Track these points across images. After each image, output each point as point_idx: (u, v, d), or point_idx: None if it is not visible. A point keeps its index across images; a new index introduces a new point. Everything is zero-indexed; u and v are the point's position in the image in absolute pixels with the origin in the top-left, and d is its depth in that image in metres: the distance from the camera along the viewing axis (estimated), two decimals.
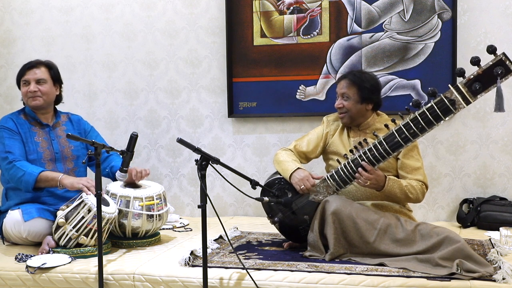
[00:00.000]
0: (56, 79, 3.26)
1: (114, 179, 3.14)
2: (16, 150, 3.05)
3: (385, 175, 2.67)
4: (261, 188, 2.83)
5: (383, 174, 2.66)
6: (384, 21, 3.59)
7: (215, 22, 3.86)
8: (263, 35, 3.77)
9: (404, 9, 3.57)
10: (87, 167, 3.38)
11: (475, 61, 2.28)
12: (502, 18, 3.47)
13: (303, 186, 2.73)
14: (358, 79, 2.86)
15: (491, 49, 2.27)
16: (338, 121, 2.97)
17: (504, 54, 2.27)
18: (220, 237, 3.07)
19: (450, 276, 2.28)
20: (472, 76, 2.32)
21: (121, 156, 2.89)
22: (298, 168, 2.80)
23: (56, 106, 3.32)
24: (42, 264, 2.62)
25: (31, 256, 2.75)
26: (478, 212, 3.35)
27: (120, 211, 2.94)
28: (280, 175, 2.89)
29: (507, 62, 2.27)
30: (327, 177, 2.73)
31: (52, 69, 3.24)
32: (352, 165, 2.65)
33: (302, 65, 3.72)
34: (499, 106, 2.30)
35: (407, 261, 2.47)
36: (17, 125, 3.14)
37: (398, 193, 2.70)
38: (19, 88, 3.23)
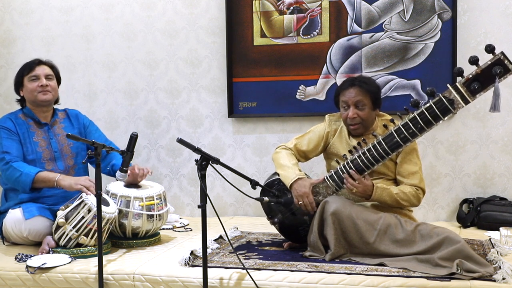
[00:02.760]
0: (58, 78, 3.29)
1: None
2: (14, 150, 3.05)
3: (373, 184, 2.66)
4: (261, 188, 2.83)
5: (371, 184, 2.64)
6: (384, 21, 3.59)
7: (215, 22, 3.86)
8: (263, 35, 3.77)
9: (404, 9, 3.57)
10: (88, 164, 3.38)
11: (474, 61, 2.28)
12: (502, 18, 3.47)
13: (301, 202, 2.71)
14: (368, 86, 2.79)
15: (490, 48, 2.26)
16: (340, 121, 2.93)
17: (502, 53, 2.27)
18: (220, 237, 3.07)
19: (450, 276, 2.28)
20: (470, 76, 2.32)
21: (121, 156, 2.89)
22: (299, 178, 2.76)
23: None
24: (42, 264, 2.63)
25: (31, 256, 2.75)
26: (478, 212, 3.35)
27: (120, 211, 2.94)
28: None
29: (506, 62, 2.27)
30: (327, 178, 2.73)
31: (54, 68, 3.28)
32: (352, 165, 2.65)
33: (302, 65, 3.72)
34: (494, 106, 2.30)
35: (407, 261, 2.46)
36: (15, 125, 3.14)
37: (388, 201, 2.68)
38: (19, 87, 3.22)
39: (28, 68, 3.19)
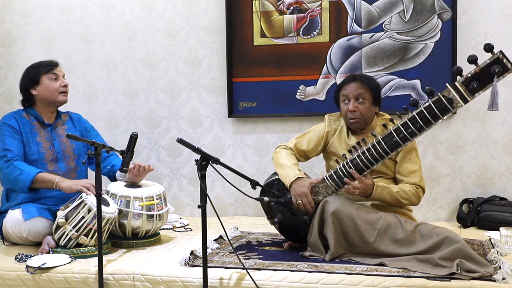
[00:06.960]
0: None
1: (114, 179, 3.14)
2: (15, 148, 3.04)
3: (374, 183, 2.66)
4: (261, 188, 2.83)
5: (371, 182, 2.65)
6: (384, 21, 3.59)
7: (215, 22, 3.87)
8: (263, 35, 3.77)
9: (404, 9, 3.57)
10: (88, 168, 3.38)
11: (472, 60, 2.28)
12: (502, 18, 3.47)
13: (300, 201, 2.72)
14: (369, 81, 2.84)
15: (488, 47, 2.27)
16: (340, 121, 2.95)
17: (501, 52, 2.27)
18: (220, 237, 3.07)
19: (450, 276, 2.28)
20: (469, 75, 2.32)
21: (120, 156, 2.89)
22: (298, 178, 2.76)
23: None
24: (42, 264, 2.63)
25: (31, 256, 2.75)
26: (478, 212, 3.34)
27: (120, 211, 2.94)
28: None
29: (505, 60, 2.27)
30: (326, 178, 2.73)
31: None
32: (351, 165, 2.65)
33: (302, 65, 3.72)
34: (492, 104, 2.30)
35: (407, 261, 2.46)
36: (19, 124, 3.12)
37: (389, 200, 2.69)
38: (33, 85, 3.14)
39: (48, 67, 3.16)
